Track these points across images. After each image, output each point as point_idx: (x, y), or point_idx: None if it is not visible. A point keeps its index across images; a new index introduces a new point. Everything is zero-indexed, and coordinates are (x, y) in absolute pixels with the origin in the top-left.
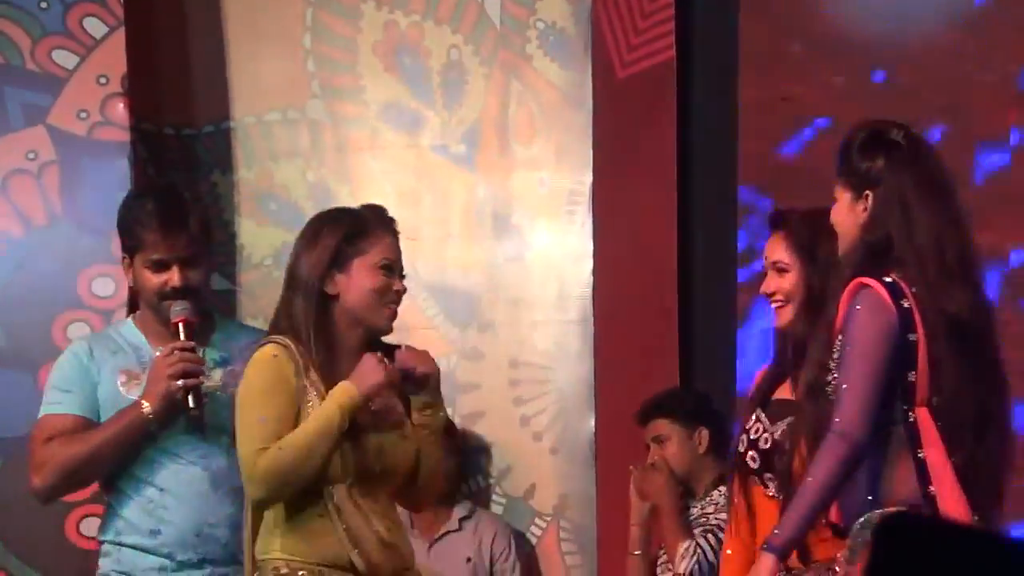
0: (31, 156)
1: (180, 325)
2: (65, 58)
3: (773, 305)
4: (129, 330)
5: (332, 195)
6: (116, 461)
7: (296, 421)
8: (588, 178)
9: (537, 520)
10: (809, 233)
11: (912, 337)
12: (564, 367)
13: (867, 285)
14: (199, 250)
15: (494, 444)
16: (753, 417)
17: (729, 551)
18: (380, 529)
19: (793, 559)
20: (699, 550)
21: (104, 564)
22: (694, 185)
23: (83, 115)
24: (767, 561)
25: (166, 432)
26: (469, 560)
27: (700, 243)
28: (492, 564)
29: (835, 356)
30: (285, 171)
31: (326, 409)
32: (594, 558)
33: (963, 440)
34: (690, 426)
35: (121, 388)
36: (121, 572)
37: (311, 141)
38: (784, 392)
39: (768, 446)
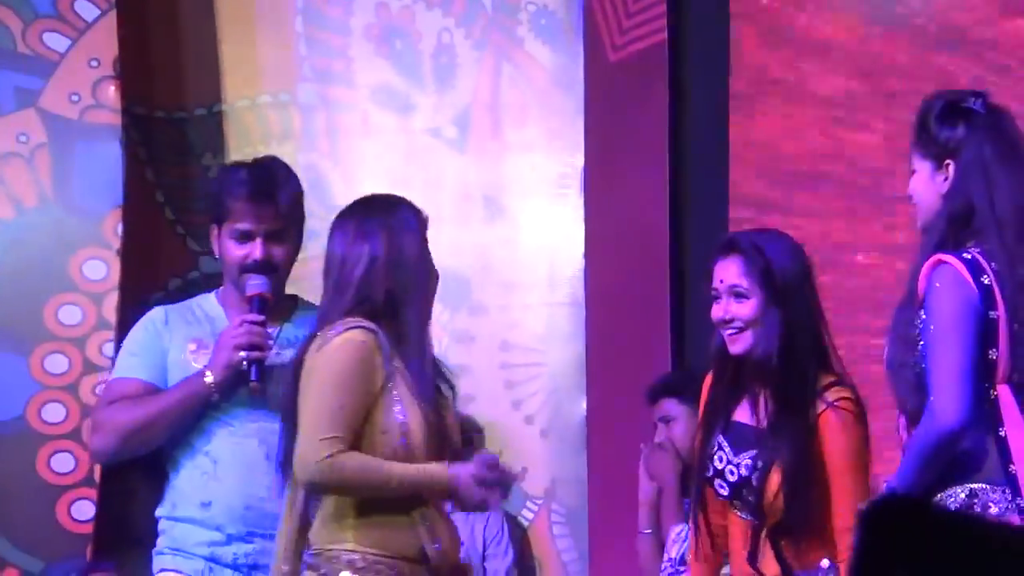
0: (22, 139)
1: (254, 299)
2: (56, 41)
3: (728, 332)
4: (209, 303)
5: (324, 178)
6: (174, 429)
7: (376, 407)
8: (579, 161)
9: (529, 503)
10: (764, 257)
11: (993, 314)
12: (555, 350)
13: (945, 262)
14: (286, 226)
15: (485, 427)
16: (715, 443)
17: None
18: (448, 521)
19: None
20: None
21: (160, 542)
22: (685, 167)
23: (75, 98)
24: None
25: (226, 404)
26: (461, 544)
27: (691, 225)
28: (484, 548)
29: (918, 333)
30: (277, 154)
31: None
32: (586, 541)
33: None
34: (698, 407)
35: (190, 356)
36: (173, 548)
37: (303, 124)
38: (743, 415)
39: (735, 478)
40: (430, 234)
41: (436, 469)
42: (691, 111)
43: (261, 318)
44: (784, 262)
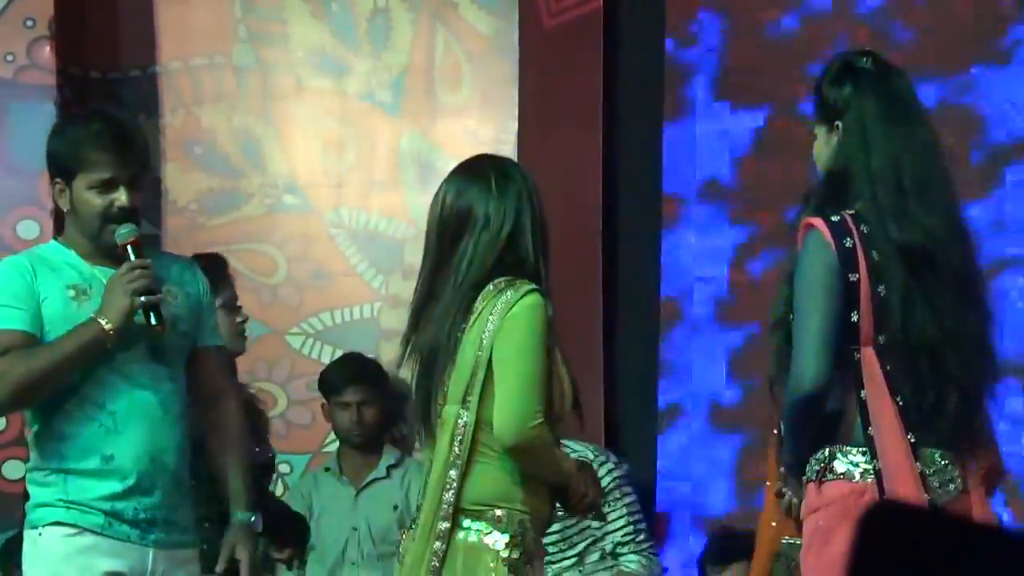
0: None
1: (130, 247)
2: None
3: None
4: (58, 250)
5: (257, 141)
6: (70, 379)
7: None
8: (514, 126)
9: None
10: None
11: (853, 277)
12: None
13: (812, 226)
14: (141, 173)
15: None
16: None
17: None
18: None
19: (791, 530)
20: None
21: (45, 494)
22: (619, 134)
23: (9, 58)
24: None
25: (120, 355)
26: (396, 508)
27: (624, 191)
28: None
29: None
30: (211, 116)
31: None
32: None
33: (913, 379)
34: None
35: (72, 303)
36: (68, 501)
37: (237, 87)
38: None
39: None
40: (363, 197)
41: (571, 464)
42: (625, 78)
43: (148, 262)
44: None
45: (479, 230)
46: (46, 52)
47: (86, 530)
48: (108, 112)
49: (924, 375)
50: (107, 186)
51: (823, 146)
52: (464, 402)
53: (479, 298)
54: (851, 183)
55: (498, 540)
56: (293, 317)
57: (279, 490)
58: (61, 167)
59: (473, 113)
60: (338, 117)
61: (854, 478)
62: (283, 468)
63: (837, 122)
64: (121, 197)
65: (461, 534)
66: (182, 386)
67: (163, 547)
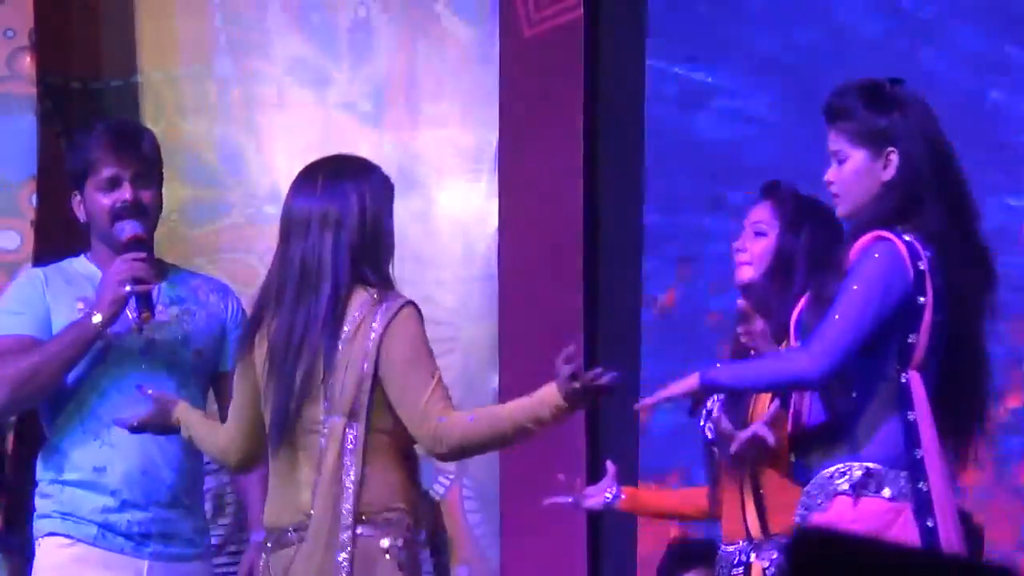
0: None
1: (130, 242)
2: None
3: (737, 259)
4: (81, 264)
5: (239, 151)
6: (63, 375)
7: None
8: (494, 137)
9: (440, 478)
10: (797, 208)
11: (921, 300)
12: (468, 325)
13: (887, 239)
14: (151, 171)
15: None
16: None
17: None
18: None
19: (755, 529)
20: None
21: (44, 505)
22: (600, 144)
23: None
24: (692, 381)
25: (116, 368)
26: None
27: (606, 202)
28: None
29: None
30: (192, 127)
31: None
32: (496, 516)
33: (945, 408)
34: None
35: (79, 316)
36: (63, 513)
37: (218, 97)
38: None
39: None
40: None
41: (537, 397)
42: (607, 87)
43: (142, 255)
44: (812, 221)
45: (311, 231)
46: (26, 63)
47: (79, 541)
48: (117, 118)
49: (958, 405)
50: (112, 183)
51: (862, 171)
52: (352, 414)
53: (352, 306)
54: (911, 213)
55: (391, 542)
56: None
57: None
58: (74, 177)
59: (454, 123)
60: (319, 127)
61: (895, 498)
62: None
63: (891, 149)
64: (125, 193)
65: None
66: (192, 403)
67: (161, 560)
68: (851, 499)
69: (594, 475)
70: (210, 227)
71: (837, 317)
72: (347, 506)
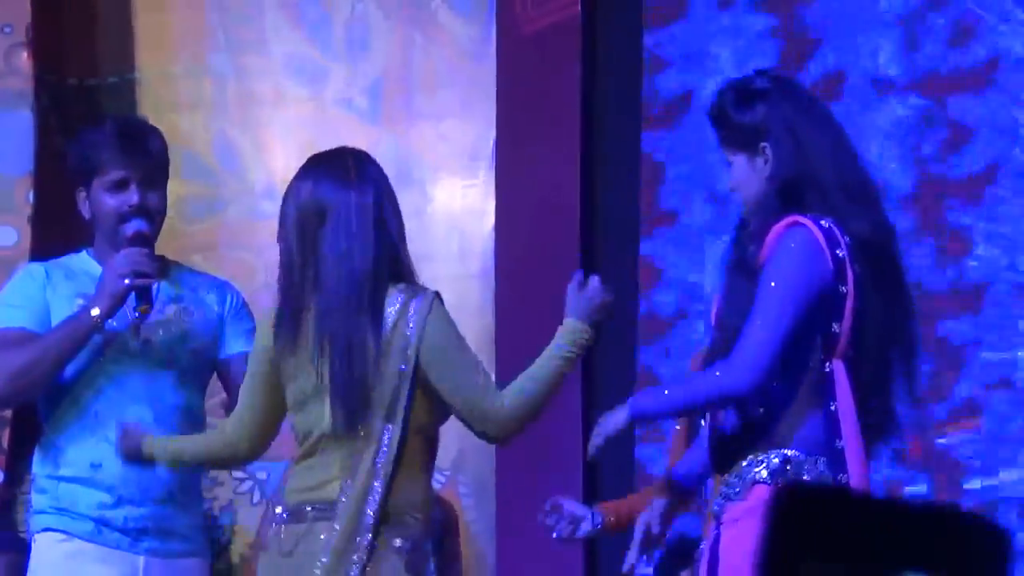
0: None
1: (135, 238)
2: None
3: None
4: (83, 260)
5: (235, 147)
6: (61, 367)
7: None
8: (491, 133)
9: (436, 475)
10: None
11: (843, 289)
12: (465, 322)
13: (803, 224)
14: (158, 172)
15: None
16: None
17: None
18: None
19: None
20: None
21: (40, 501)
22: (597, 142)
23: None
24: (622, 415)
25: (113, 365)
26: None
27: (602, 200)
28: None
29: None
30: (188, 123)
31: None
32: (493, 512)
33: (869, 392)
34: None
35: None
36: (58, 509)
37: (214, 93)
38: None
39: None
40: None
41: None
42: (604, 85)
43: (145, 251)
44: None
45: (350, 222)
46: (23, 59)
47: (75, 537)
48: (122, 117)
49: (877, 387)
50: (120, 186)
51: (748, 173)
52: (390, 415)
53: (386, 303)
54: (798, 195)
55: (403, 545)
56: None
57: (256, 496)
58: (80, 174)
59: (451, 120)
60: (315, 124)
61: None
62: (260, 475)
63: (763, 144)
64: (133, 196)
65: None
66: (189, 400)
67: (158, 556)
68: (768, 487)
69: (589, 474)
70: (206, 223)
71: (758, 323)
72: (372, 507)
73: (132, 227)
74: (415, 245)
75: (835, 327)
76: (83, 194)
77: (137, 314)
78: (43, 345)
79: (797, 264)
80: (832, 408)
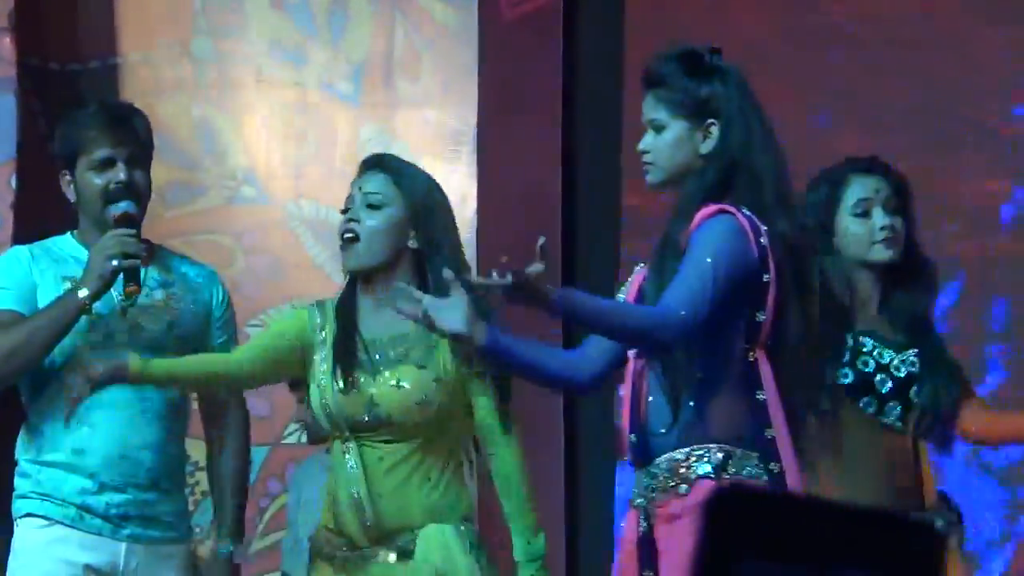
0: None
1: (121, 219)
2: None
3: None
4: (68, 242)
5: (216, 131)
6: (49, 349)
7: None
8: (473, 118)
9: None
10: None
11: (766, 277)
12: None
13: (731, 213)
14: (144, 153)
15: None
16: (867, 342)
17: None
18: None
19: None
20: None
21: (23, 485)
22: (579, 126)
23: None
24: (551, 292)
25: (100, 350)
26: None
27: (584, 184)
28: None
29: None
30: (170, 107)
31: None
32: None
33: (791, 382)
34: None
35: None
36: (41, 494)
37: (196, 77)
38: None
39: (904, 375)
40: (322, 188)
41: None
42: (585, 69)
43: (132, 231)
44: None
45: (435, 225)
46: (6, 44)
47: (58, 522)
48: (110, 100)
49: (799, 378)
50: (105, 165)
51: (681, 141)
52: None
53: None
54: (732, 181)
55: None
56: (251, 308)
57: None
58: (64, 156)
59: (433, 103)
60: (297, 108)
61: (753, 479)
62: None
63: (710, 120)
64: (119, 174)
65: None
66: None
67: (139, 542)
68: (714, 482)
69: (571, 463)
70: (187, 208)
71: (685, 283)
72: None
73: (119, 208)
74: None
75: (759, 316)
76: (67, 177)
77: (123, 296)
78: (31, 327)
79: (727, 243)
80: (760, 398)
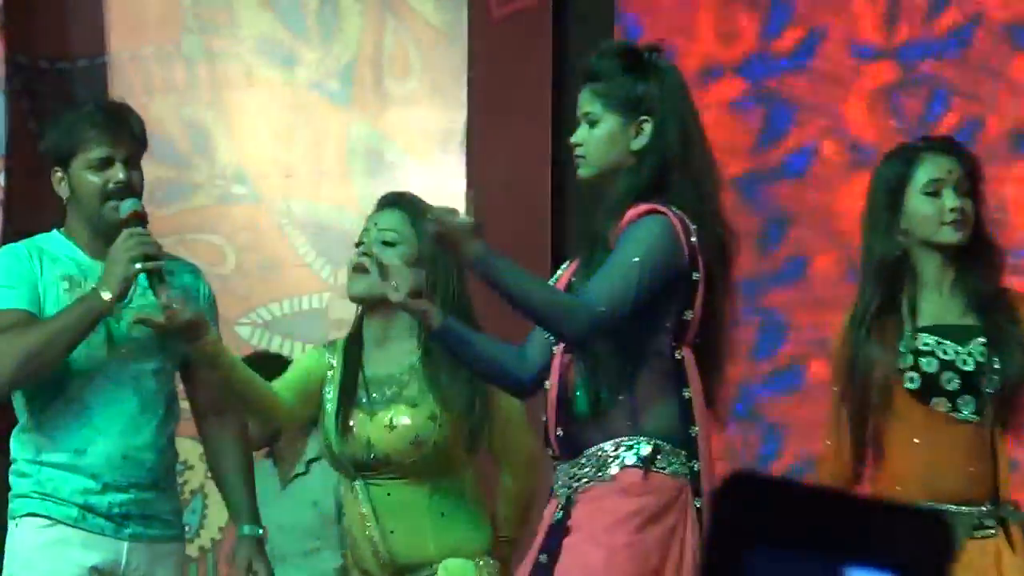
0: None
1: (132, 219)
2: None
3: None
4: (58, 240)
5: (206, 131)
6: (70, 351)
7: None
8: (463, 117)
9: None
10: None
11: (696, 276)
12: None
13: (662, 212)
14: (139, 155)
15: None
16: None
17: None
18: None
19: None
20: None
21: (22, 485)
22: (568, 126)
23: None
24: (472, 247)
25: (99, 351)
26: (315, 504)
27: (573, 184)
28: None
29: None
30: (160, 106)
31: None
32: None
33: (712, 382)
34: None
35: (65, 295)
36: (42, 494)
37: (186, 76)
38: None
39: (972, 368)
40: (312, 188)
41: None
42: (575, 67)
43: (148, 230)
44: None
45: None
46: None
47: (59, 522)
48: (104, 99)
49: (719, 377)
50: (104, 164)
51: (613, 136)
52: None
53: None
54: (663, 183)
55: None
56: (242, 307)
57: None
58: (59, 154)
59: (422, 103)
60: (287, 107)
61: (678, 475)
62: None
63: (645, 118)
64: (118, 174)
65: None
66: (168, 386)
67: (140, 540)
68: (641, 471)
69: None
70: (177, 207)
71: (609, 280)
72: None
73: (127, 207)
74: None
75: (687, 314)
76: (59, 174)
77: (163, 303)
78: (53, 328)
79: (658, 241)
80: (686, 396)
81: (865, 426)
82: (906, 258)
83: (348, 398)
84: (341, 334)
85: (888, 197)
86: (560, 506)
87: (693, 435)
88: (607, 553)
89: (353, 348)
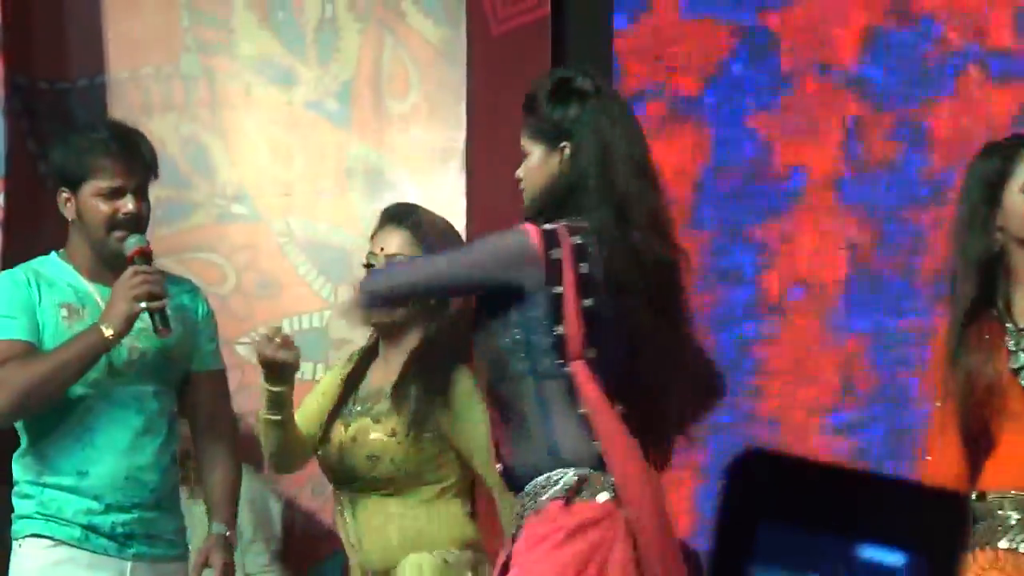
0: None
1: (137, 257)
2: None
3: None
4: (57, 264)
5: (205, 150)
6: (70, 385)
7: None
8: (462, 135)
9: None
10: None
11: (558, 289)
12: None
13: (521, 228)
14: (149, 181)
15: None
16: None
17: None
18: None
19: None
20: None
21: (25, 506)
22: None
23: None
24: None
25: (100, 374)
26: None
27: None
28: None
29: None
30: (158, 126)
31: None
32: None
33: (633, 394)
34: None
35: (63, 323)
36: (46, 515)
37: (185, 96)
38: None
39: None
40: (311, 207)
41: None
42: None
43: (153, 268)
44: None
45: None
46: None
47: (63, 543)
48: (113, 122)
49: (642, 392)
50: (114, 194)
51: (539, 164)
52: None
53: None
54: (574, 198)
55: None
56: (242, 327)
57: None
58: (67, 176)
59: (421, 121)
60: (286, 126)
61: (602, 497)
62: None
63: (564, 143)
64: (128, 205)
65: None
66: (170, 406)
67: (144, 560)
68: (562, 502)
69: None
70: (177, 227)
71: (413, 265)
72: None
73: (132, 244)
74: None
75: (558, 329)
76: (65, 195)
77: (158, 333)
78: (55, 363)
79: (486, 249)
80: (581, 412)
81: (977, 434)
82: (1002, 256)
83: (335, 407)
84: (341, 353)
85: (986, 192)
86: (511, 544)
87: (599, 451)
88: (520, 571)
89: (364, 359)
